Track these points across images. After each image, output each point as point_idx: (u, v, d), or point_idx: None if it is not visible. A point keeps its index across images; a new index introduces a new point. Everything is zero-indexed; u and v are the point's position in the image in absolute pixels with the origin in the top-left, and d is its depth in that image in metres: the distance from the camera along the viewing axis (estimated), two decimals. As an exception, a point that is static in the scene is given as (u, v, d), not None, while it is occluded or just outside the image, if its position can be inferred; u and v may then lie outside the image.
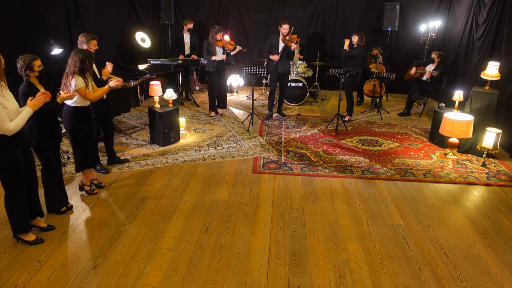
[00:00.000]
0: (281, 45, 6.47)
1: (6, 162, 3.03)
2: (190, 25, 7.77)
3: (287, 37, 6.33)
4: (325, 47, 8.99)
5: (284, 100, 7.78)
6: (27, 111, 3.06)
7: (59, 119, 3.76)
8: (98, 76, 4.40)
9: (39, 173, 4.06)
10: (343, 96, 7.11)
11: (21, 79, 3.31)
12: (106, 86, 3.98)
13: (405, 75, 7.45)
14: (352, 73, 6.25)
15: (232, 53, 6.82)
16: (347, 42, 6.70)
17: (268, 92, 8.60)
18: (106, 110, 4.63)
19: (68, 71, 3.70)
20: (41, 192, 3.63)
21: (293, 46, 6.44)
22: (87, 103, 3.99)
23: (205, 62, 6.60)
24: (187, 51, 7.92)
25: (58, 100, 3.45)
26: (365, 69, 7.54)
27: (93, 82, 4.07)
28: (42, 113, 3.38)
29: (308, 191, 4.37)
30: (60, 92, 3.64)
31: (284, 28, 6.34)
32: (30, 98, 3.11)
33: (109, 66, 4.52)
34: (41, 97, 3.11)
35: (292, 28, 6.32)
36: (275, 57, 6.48)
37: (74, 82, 3.67)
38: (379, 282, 3.00)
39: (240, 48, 6.84)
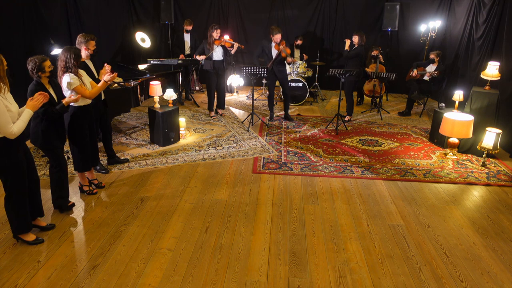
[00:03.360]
0: (274, 52, 6.41)
1: (8, 163, 3.03)
2: (188, 27, 7.72)
3: (281, 47, 6.29)
4: (325, 47, 8.99)
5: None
6: (27, 113, 3.06)
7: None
8: (96, 76, 4.40)
9: (41, 172, 4.07)
10: (343, 96, 7.11)
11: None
12: (102, 82, 3.96)
13: (407, 77, 7.45)
14: (352, 73, 6.25)
15: (232, 51, 6.76)
16: (348, 42, 6.70)
17: (268, 92, 8.61)
18: (104, 111, 4.63)
19: (58, 71, 3.73)
20: (43, 191, 3.64)
21: (288, 59, 6.40)
22: (87, 101, 3.99)
23: (203, 62, 6.58)
24: (187, 51, 7.91)
25: (64, 102, 3.46)
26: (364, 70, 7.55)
27: (91, 80, 4.09)
28: (48, 116, 3.38)
29: (308, 191, 4.37)
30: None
31: (277, 38, 6.26)
32: (29, 99, 3.11)
33: (107, 67, 4.53)
34: (40, 97, 3.12)
35: (283, 41, 6.30)
36: (268, 65, 6.41)
37: (68, 80, 3.67)
38: (379, 282, 3.00)
39: (238, 44, 6.74)
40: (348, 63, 6.67)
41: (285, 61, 6.49)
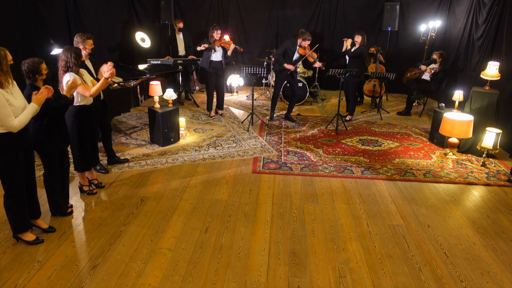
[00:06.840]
0: (296, 55, 6.34)
1: (7, 161, 3.03)
2: (180, 25, 7.59)
3: (307, 52, 6.27)
4: (325, 47, 8.99)
5: (284, 100, 7.78)
6: (31, 107, 3.07)
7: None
8: (94, 76, 4.40)
9: (39, 173, 4.07)
10: (343, 96, 7.10)
11: (21, 81, 3.30)
12: (103, 79, 3.94)
13: (404, 78, 7.44)
14: (352, 73, 6.24)
15: (229, 52, 6.70)
16: (349, 41, 6.67)
17: (268, 92, 8.62)
18: (104, 111, 4.63)
19: (59, 71, 3.73)
20: (41, 192, 3.64)
21: (317, 64, 6.38)
22: (90, 100, 3.99)
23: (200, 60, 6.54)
24: (182, 52, 7.80)
25: (65, 93, 3.44)
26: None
27: (92, 79, 4.08)
28: (52, 112, 3.35)
29: (308, 191, 4.37)
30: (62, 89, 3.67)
31: (305, 43, 6.20)
32: (34, 93, 3.11)
33: (105, 67, 4.54)
34: (44, 91, 3.13)
35: (316, 46, 6.28)
36: (290, 67, 6.29)
37: (69, 78, 3.67)
38: (379, 282, 3.00)
39: (235, 46, 6.67)
40: (352, 62, 6.64)
41: (313, 65, 6.49)
